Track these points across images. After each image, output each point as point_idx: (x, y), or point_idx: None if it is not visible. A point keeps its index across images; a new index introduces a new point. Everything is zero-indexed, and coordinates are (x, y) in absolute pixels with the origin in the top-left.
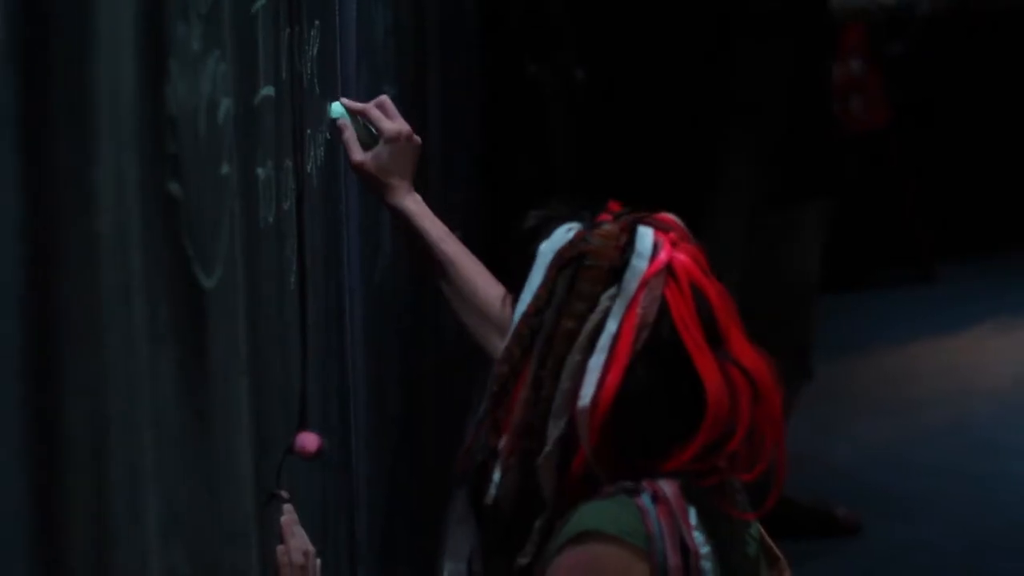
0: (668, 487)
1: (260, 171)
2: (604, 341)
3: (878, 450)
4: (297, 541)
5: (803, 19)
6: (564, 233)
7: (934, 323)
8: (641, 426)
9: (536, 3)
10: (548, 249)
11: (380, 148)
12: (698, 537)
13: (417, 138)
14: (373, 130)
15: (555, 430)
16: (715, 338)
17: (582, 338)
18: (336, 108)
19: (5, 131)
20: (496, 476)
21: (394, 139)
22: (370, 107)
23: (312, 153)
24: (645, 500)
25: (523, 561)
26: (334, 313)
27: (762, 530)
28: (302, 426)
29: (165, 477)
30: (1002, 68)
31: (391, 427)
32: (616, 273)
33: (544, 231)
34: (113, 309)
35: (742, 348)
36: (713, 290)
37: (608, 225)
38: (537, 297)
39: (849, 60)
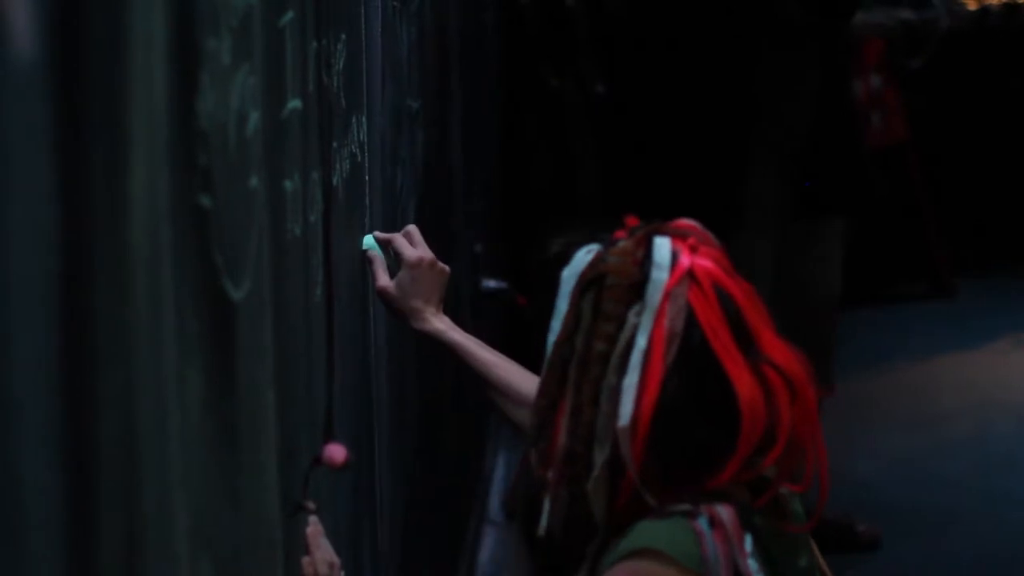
0: (725, 512)
1: (287, 184)
2: (636, 359)
3: (898, 465)
4: (323, 552)
5: (827, 34)
6: (583, 256)
7: (954, 338)
8: (682, 438)
9: (557, 17)
10: (570, 274)
11: (402, 274)
12: (752, 565)
13: (443, 266)
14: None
15: (600, 455)
16: (745, 339)
17: (615, 359)
18: (368, 240)
19: (38, 143)
20: (547, 507)
21: (415, 265)
22: (397, 236)
23: (338, 166)
24: (702, 523)
25: None
26: (359, 324)
27: (813, 545)
28: (329, 437)
29: (193, 488)
30: (1021, 84)
31: (412, 437)
32: (638, 288)
33: (568, 258)
34: (143, 320)
35: (774, 346)
36: (739, 290)
37: (624, 241)
38: (565, 324)
39: (868, 75)
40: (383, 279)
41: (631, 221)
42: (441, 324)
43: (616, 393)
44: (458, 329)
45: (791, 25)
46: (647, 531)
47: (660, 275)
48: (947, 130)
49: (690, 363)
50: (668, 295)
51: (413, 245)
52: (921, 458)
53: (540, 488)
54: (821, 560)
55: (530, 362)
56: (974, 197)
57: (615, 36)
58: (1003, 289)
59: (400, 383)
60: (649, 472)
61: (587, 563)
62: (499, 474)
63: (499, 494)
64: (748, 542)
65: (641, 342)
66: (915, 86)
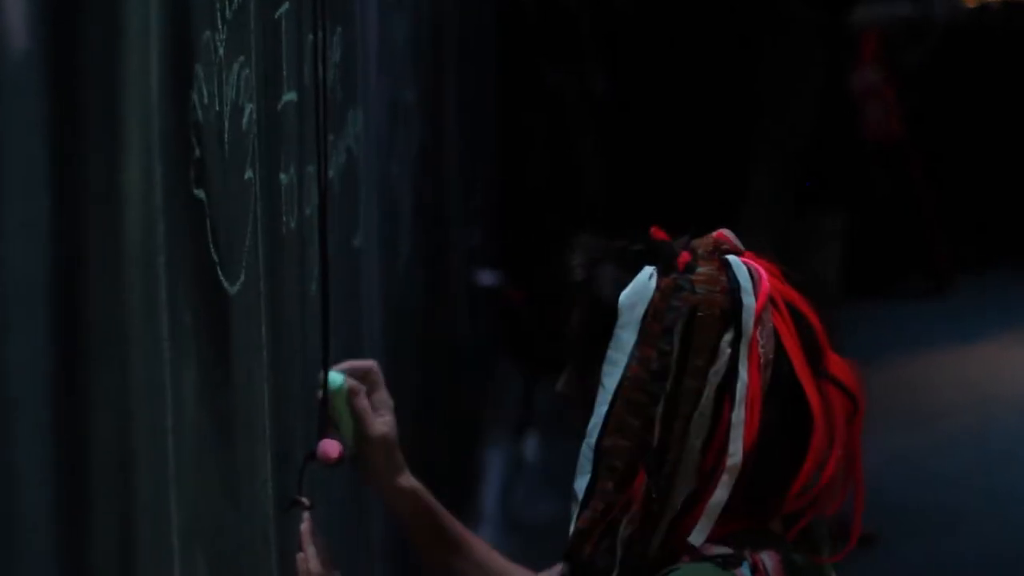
0: (770, 561)
1: (283, 176)
2: (741, 391)
3: (895, 461)
4: (316, 550)
5: (828, 29)
6: (647, 282)
7: (952, 334)
8: (767, 471)
9: (556, 11)
10: (633, 302)
11: (387, 417)
12: None
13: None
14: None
15: (685, 488)
16: (816, 358)
17: (708, 392)
18: (336, 378)
19: (34, 136)
20: (620, 551)
21: (392, 409)
22: (369, 372)
23: (334, 159)
24: (745, 572)
25: None
26: (354, 318)
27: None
28: (323, 432)
29: (187, 483)
30: (1020, 80)
31: (407, 431)
32: (728, 316)
33: (599, 278)
34: (138, 314)
35: (837, 363)
36: (805, 304)
37: (701, 267)
38: (643, 359)
39: (865, 69)
40: (377, 426)
41: (658, 233)
42: (419, 484)
43: (711, 429)
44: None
45: (794, 21)
46: None
47: (750, 301)
48: (946, 127)
49: (781, 393)
50: (758, 321)
51: (378, 383)
52: (918, 454)
53: (608, 529)
54: None
55: (525, 359)
56: (974, 194)
57: (618, 32)
58: (1002, 285)
59: (396, 377)
60: (726, 508)
61: None
62: (494, 471)
63: (494, 492)
64: None
65: (743, 374)
66: (914, 83)
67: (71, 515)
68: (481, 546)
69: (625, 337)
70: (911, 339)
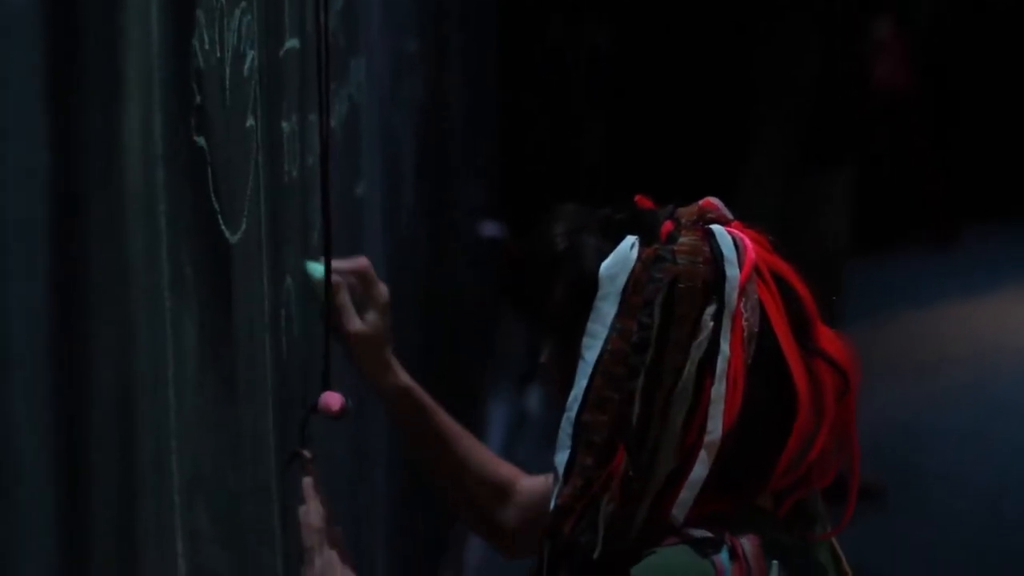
0: (749, 546)
1: (284, 125)
2: (722, 366)
3: (900, 414)
4: (317, 504)
5: (825, 15)
6: (628, 252)
7: (957, 287)
8: (750, 448)
9: None
10: (614, 273)
11: (373, 316)
12: None
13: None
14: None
15: (666, 466)
16: (803, 331)
17: (690, 367)
18: (315, 267)
19: (33, 85)
20: (602, 528)
21: (386, 307)
22: (359, 270)
23: (336, 108)
24: (723, 558)
25: None
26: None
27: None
28: (325, 385)
29: (188, 436)
30: None
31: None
32: (711, 288)
33: (581, 249)
34: (139, 263)
35: (826, 336)
36: (794, 275)
37: (684, 237)
38: (624, 331)
39: (874, 23)
40: (355, 320)
41: (643, 202)
42: (410, 380)
43: (693, 404)
44: (421, 389)
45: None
46: (660, 566)
47: (733, 272)
48: (954, 80)
49: (766, 367)
50: (742, 292)
51: (371, 281)
52: (924, 407)
53: (589, 506)
54: (838, 549)
55: (528, 312)
56: (980, 147)
57: None
58: (1008, 238)
59: (397, 329)
60: (707, 485)
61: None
62: (497, 424)
63: (497, 445)
64: (774, 569)
65: (725, 347)
66: (925, 33)
67: (71, 470)
68: (465, 442)
69: (605, 309)
70: (916, 292)
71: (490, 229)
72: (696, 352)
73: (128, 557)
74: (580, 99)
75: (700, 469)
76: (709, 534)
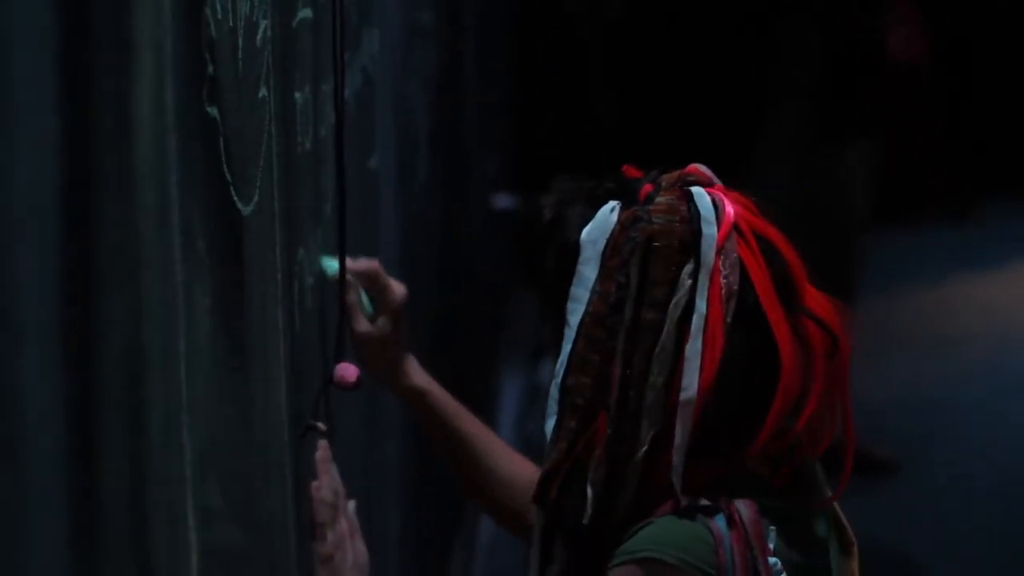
0: (746, 510)
1: (298, 95)
2: (697, 325)
3: (916, 388)
4: (329, 478)
5: None
6: (608, 215)
7: (973, 260)
8: (730, 407)
9: None
10: (595, 237)
11: (383, 319)
12: (774, 564)
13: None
14: (365, 298)
15: (650, 428)
16: (788, 292)
17: (669, 326)
18: (330, 265)
19: (44, 53)
20: (590, 493)
21: (399, 308)
22: (371, 273)
23: (350, 79)
24: (720, 524)
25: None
26: (370, 242)
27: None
28: (340, 357)
29: (200, 409)
30: None
31: (423, 357)
32: (688, 248)
33: (568, 219)
34: (150, 234)
35: (814, 298)
36: (779, 238)
37: (661, 197)
38: (603, 293)
39: None
40: (364, 322)
41: (630, 171)
42: (425, 382)
43: (673, 363)
44: (441, 390)
45: None
46: (658, 535)
47: (710, 230)
48: (979, 48)
49: (746, 325)
50: (720, 250)
51: (382, 283)
52: (939, 382)
53: (576, 471)
54: (839, 512)
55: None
56: (995, 119)
57: None
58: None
59: (411, 300)
60: (693, 444)
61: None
62: (510, 396)
63: (510, 416)
64: (772, 536)
65: (701, 305)
66: (938, 4)
67: (80, 441)
68: (485, 444)
69: (587, 273)
70: (931, 266)
71: (503, 202)
72: (675, 312)
73: (140, 531)
74: (595, 71)
75: (680, 429)
76: (706, 502)
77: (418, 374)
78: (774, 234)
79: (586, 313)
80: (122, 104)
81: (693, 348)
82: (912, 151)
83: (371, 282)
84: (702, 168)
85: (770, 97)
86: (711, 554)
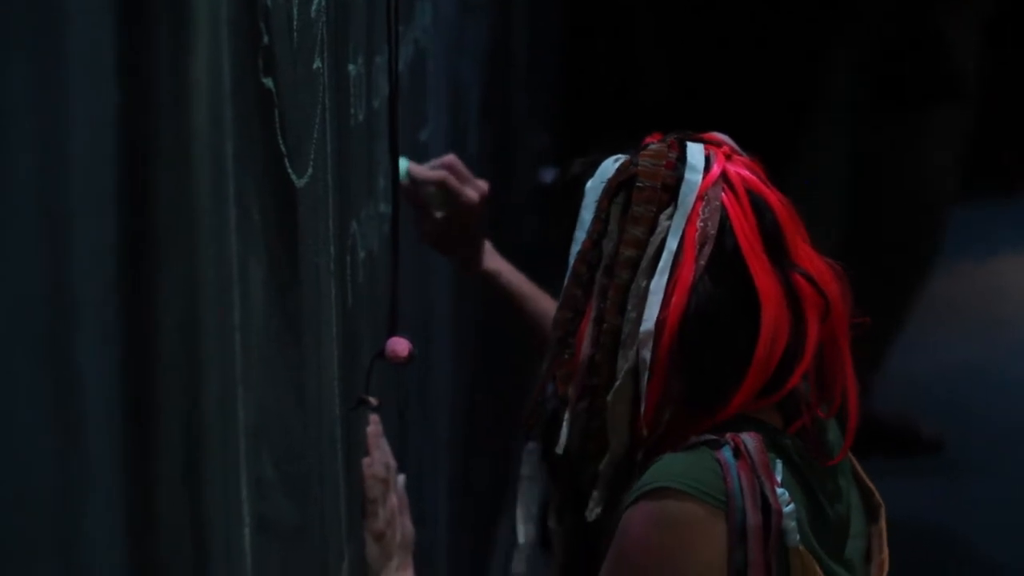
0: (751, 441)
1: (351, 67)
2: (665, 261)
3: (963, 367)
4: (381, 454)
5: None
6: (610, 165)
7: (1020, 239)
8: (707, 348)
9: None
10: (596, 184)
11: (455, 217)
12: (782, 494)
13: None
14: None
15: (624, 362)
16: (778, 248)
17: (644, 263)
18: (405, 166)
19: (101, 25)
20: (566, 423)
21: (476, 205)
22: (447, 176)
23: (403, 51)
24: (726, 454)
25: (593, 515)
26: None
27: (855, 464)
28: (392, 330)
29: (254, 382)
30: None
31: (469, 332)
32: (670, 190)
33: (577, 184)
34: (205, 206)
35: (809, 258)
36: (774, 197)
37: (655, 145)
38: (591, 232)
39: None
40: (432, 223)
41: (654, 136)
42: (495, 264)
43: (644, 297)
44: (512, 271)
45: None
46: (665, 467)
47: (694, 177)
48: (1015, 27)
49: (723, 268)
50: (701, 197)
51: (462, 180)
52: (986, 360)
53: (560, 404)
54: (868, 482)
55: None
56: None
57: None
58: None
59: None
60: (672, 386)
61: (600, 488)
62: None
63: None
64: (779, 468)
65: (672, 244)
66: None
67: (136, 415)
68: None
69: (586, 216)
70: (979, 244)
71: (552, 175)
72: (650, 249)
73: (193, 502)
74: (645, 43)
75: (643, 361)
76: (709, 436)
77: (492, 259)
78: (771, 195)
79: (576, 252)
80: (178, 72)
81: (658, 283)
82: (965, 123)
83: (454, 174)
84: (721, 136)
85: (824, 63)
86: (719, 481)
